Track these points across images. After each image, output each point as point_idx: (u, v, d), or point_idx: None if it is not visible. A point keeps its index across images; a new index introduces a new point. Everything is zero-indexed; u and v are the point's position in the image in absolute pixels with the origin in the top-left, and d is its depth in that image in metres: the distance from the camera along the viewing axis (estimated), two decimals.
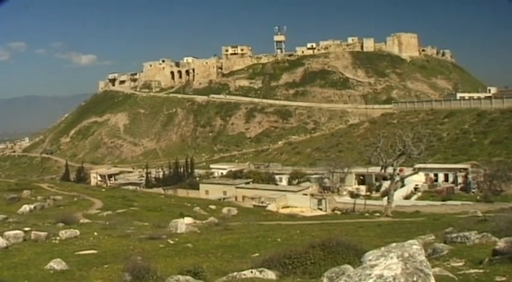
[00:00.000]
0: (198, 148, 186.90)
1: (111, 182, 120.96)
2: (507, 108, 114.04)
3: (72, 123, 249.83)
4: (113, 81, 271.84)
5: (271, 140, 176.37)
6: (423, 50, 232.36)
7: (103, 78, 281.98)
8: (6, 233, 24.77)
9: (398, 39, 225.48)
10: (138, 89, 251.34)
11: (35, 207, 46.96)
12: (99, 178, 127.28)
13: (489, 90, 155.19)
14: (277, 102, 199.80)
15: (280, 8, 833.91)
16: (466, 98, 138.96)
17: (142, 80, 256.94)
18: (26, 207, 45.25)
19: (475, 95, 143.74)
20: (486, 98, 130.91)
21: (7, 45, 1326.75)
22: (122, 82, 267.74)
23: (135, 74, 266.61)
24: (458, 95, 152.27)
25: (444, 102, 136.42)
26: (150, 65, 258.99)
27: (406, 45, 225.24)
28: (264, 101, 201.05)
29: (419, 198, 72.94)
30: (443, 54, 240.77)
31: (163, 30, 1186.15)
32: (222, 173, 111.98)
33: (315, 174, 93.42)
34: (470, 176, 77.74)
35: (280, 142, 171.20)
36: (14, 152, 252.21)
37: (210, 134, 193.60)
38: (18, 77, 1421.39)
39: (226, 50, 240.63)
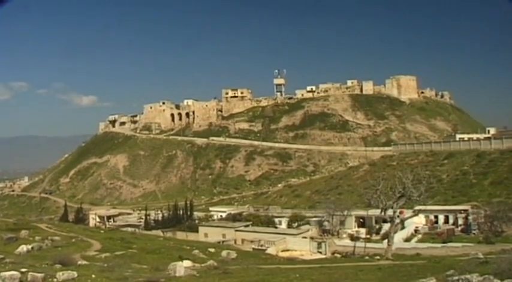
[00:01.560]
0: (198, 190, 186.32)
1: (110, 223, 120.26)
2: (506, 149, 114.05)
3: (72, 163, 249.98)
4: (113, 122, 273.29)
5: (271, 183, 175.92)
6: (422, 92, 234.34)
7: (103, 120, 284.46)
8: (2, 274, 24.45)
9: (398, 81, 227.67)
10: (138, 131, 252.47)
11: (32, 248, 46.44)
12: (98, 219, 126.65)
13: (488, 131, 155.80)
14: (276, 145, 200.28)
15: (280, 52, 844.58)
16: (466, 139, 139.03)
17: (143, 122, 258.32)
18: (23, 248, 44.75)
19: (475, 136, 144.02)
20: (485, 138, 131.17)
21: (9, 85, 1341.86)
22: (122, 123, 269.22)
23: (136, 115, 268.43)
24: (458, 136, 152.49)
25: (443, 144, 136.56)
26: (151, 107, 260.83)
27: (405, 88, 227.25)
28: (264, 143, 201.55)
29: (419, 241, 72.27)
30: (442, 96, 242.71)
31: (164, 72, 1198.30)
32: (221, 216, 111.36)
33: (315, 217, 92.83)
34: (470, 218, 77.23)
35: (279, 185, 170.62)
36: (13, 191, 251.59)
37: (210, 177, 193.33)
38: (19, 116, 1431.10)
39: (226, 93, 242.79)
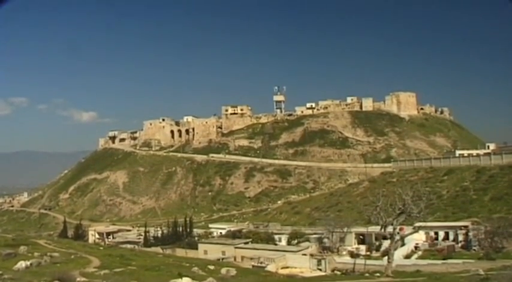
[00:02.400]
0: (197, 207, 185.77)
1: (109, 240, 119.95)
2: (506, 164, 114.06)
3: (72, 179, 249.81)
4: (113, 138, 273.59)
5: (271, 200, 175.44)
6: (422, 109, 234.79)
7: (103, 136, 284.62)
8: None
9: (397, 98, 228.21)
10: (138, 147, 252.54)
11: (31, 264, 46.31)
12: (97, 236, 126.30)
13: (488, 146, 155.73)
14: (276, 161, 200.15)
15: (279, 68, 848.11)
16: (465, 155, 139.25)
17: (142, 139, 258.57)
18: (22, 264, 44.64)
19: (474, 152, 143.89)
20: (485, 154, 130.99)
21: (9, 100, 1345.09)
22: (122, 140, 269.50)
23: (135, 132, 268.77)
24: (458, 152, 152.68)
25: (443, 160, 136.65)
26: (150, 124, 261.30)
27: (404, 104, 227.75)
28: (264, 160, 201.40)
29: (420, 257, 71.97)
30: (441, 112, 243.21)
31: (164, 89, 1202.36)
32: (221, 233, 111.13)
33: (315, 234, 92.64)
34: (471, 234, 77.02)
35: (279, 202, 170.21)
36: (12, 206, 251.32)
37: (209, 193, 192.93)
38: (19, 131, 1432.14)
39: (226, 110, 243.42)
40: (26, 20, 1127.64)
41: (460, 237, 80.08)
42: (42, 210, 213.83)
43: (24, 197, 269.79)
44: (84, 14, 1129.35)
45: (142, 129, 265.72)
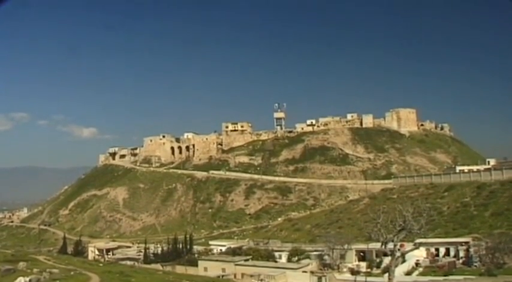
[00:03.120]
0: (198, 224, 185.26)
1: (109, 256, 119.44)
2: (507, 180, 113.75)
3: (72, 195, 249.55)
4: (113, 155, 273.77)
5: (271, 217, 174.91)
6: (422, 125, 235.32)
7: (103, 152, 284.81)
8: None
9: (397, 114, 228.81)
10: (138, 164, 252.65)
11: (30, 280, 46.20)
12: (97, 252, 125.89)
13: (488, 162, 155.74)
14: (276, 178, 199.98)
15: (280, 86, 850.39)
16: (466, 170, 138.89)
17: (143, 155, 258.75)
18: (21, 280, 44.55)
19: (475, 168, 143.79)
20: (485, 170, 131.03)
21: (10, 116, 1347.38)
22: (122, 156, 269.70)
23: (136, 148, 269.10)
24: (458, 168, 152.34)
25: (444, 176, 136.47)
26: (151, 140, 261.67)
27: (405, 121, 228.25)
28: (264, 177, 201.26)
29: (420, 274, 71.66)
30: (441, 128, 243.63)
31: (164, 106, 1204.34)
32: (221, 250, 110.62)
33: (315, 251, 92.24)
34: (472, 250, 76.71)
35: (279, 218, 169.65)
36: (12, 222, 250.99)
37: (210, 210, 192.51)
38: (20, 147, 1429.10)
39: (227, 127, 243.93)
40: (25, 33, 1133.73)
41: (461, 254, 79.74)
42: (41, 226, 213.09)
43: (24, 213, 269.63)
44: (84, 30, 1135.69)
45: (142, 146, 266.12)
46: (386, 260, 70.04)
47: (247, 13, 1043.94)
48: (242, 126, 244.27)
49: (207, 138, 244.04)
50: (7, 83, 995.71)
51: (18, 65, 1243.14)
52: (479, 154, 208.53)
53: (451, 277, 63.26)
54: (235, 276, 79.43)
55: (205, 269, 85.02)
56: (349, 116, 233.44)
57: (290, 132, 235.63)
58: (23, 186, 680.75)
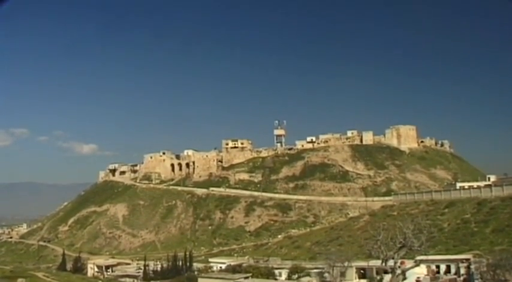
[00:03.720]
0: (197, 241, 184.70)
1: (109, 273, 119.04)
2: (507, 196, 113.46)
3: (71, 211, 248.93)
4: (113, 171, 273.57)
5: (271, 234, 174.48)
6: (422, 142, 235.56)
7: (103, 168, 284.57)
8: None
9: (397, 131, 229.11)
10: (138, 180, 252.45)
11: None
12: (96, 269, 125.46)
13: (488, 178, 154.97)
14: (277, 195, 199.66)
15: (280, 103, 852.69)
16: (466, 187, 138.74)
17: (143, 172, 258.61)
18: None
19: (475, 184, 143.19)
20: (486, 186, 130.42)
21: (10, 131, 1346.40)
22: (122, 173, 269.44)
23: (136, 165, 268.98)
24: (458, 184, 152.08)
25: (444, 193, 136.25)
26: (151, 157, 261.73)
27: (404, 137, 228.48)
28: (264, 194, 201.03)
29: None
30: (441, 145, 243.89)
31: (164, 123, 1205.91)
32: (221, 267, 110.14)
33: (315, 268, 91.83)
34: (472, 267, 76.16)
35: (279, 236, 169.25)
36: (11, 237, 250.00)
37: (210, 227, 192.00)
38: (20, 162, 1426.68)
39: (227, 144, 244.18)
40: (24, 46, 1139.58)
41: (462, 271, 79.24)
42: (41, 242, 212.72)
43: (23, 229, 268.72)
44: (83, 44, 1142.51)
45: (142, 163, 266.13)
46: (387, 278, 69.78)
47: (248, 29, 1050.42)
48: (242, 143, 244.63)
49: (207, 155, 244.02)
50: (7, 99, 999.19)
51: (19, 80, 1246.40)
52: (480, 170, 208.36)
53: None
54: None
55: None
56: (349, 133, 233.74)
57: (290, 149, 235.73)
58: (23, 202, 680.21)
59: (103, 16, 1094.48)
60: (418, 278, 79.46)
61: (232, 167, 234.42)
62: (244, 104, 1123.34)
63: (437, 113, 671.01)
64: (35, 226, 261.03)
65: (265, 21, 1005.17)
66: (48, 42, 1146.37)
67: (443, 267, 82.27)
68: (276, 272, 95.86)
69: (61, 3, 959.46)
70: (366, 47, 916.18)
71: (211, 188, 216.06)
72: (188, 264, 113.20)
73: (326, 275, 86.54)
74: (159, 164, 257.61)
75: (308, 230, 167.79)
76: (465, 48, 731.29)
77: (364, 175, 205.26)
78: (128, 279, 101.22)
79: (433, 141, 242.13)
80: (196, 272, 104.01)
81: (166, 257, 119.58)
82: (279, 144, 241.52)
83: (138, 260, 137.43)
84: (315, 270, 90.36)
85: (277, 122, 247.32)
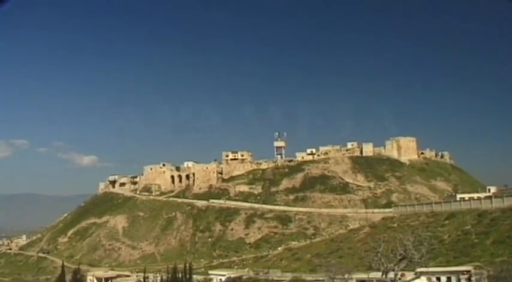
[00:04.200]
0: (197, 253, 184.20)
1: None
2: (507, 207, 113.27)
3: (71, 223, 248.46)
4: (113, 183, 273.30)
5: (271, 246, 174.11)
6: (422, 153, 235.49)
7: (103, 180, 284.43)
8: None
9: (397, 143, 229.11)
10: (138, 192, 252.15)
11: None
12: (95, 281, 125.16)
13: (489, 189, 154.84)
14: (277, 207, 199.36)
15: (280, 114, 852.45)
16: (466, 198, 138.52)
17: (143, 183, 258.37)
18: None
19: (475, 195, 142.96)
20: (486, 197, 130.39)
21: (10, 142, 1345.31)
22: (122, 184, 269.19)
23: (136, 176, 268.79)
24: (458, 196, 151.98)
25: (444, 204, 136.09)
26: (151, 169, 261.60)
27: (405, 149, 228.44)
28: (264, 206, 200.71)
29: None
30: (442, 157, 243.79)
31: (164, 134, 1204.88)
32: (220, 280, 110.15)
33: (315, 280, 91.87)
34: (473, 279, 76.13)
35: (279, 248, 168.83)
36: (10, 249, 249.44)
37: (209, 239, 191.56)
38: (19, 173, 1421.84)
39: (227, 156, 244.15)
40: (24, 57, 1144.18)
41: None
42: (40, 254, 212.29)
43: (23, 240, 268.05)
44: (83, 54, 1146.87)
45: (142, 174, 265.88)
46: None
47: (248, 41, 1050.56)
48: (242, 155, 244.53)
49: (207, 167, 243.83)
50: (7, 109, 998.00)
51: (19, 90, 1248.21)
52: (480, 182, 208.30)
53: None
54: None
55: None
56: (349, 145, 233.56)
57: (290, 161, 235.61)
58: (22, 213, 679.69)
59: (103, 27, 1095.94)
60: None
61: (232, 178, 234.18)
62: (244, 115, 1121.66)
63: (437, 124, 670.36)
64: (34, 237, 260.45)
65: (265, 31, 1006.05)
66: (48, 54, 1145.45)
67: (444, 279, 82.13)
68: None
69: (61, 13, 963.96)
70: (366, 59, 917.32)
71: (211, 200, 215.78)
72: (188, 276, 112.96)
73: None
74: (159, 176, 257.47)
75: (308, 242, 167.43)
76: (465, 60, 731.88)
77: (364, 187, 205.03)
78: None
79: (433, 153, 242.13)
80: None
81: (166, 269, 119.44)
82: (279, 156, 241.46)
83: (137, 272, 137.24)
84: None
85: (277, 133, 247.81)
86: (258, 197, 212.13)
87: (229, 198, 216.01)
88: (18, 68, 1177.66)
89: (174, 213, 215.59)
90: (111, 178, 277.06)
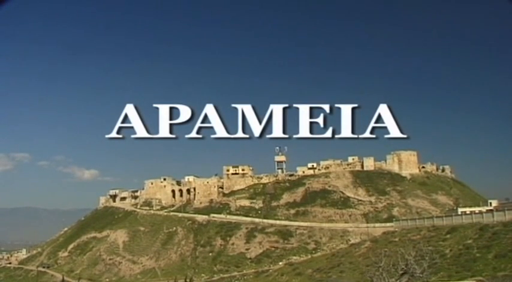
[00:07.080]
0: (198, 268, 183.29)
1: None
2: (509, 221, 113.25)
3: (71, 237, 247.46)
4: (113, 197, 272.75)
5: (272, 261, 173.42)
6: (423, 167, 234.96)
7: (104, 194, 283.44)
8: None
9: (398, 157, 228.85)
10: (138, 206, 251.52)
11: None
12: None
13: (490, 203, 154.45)
14: (277, 222, 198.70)
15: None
16: (468, 212, 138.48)
17: (143, 198, 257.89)
18: None
19: (477, 209, 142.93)
20: (488, 211, 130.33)
21: (11, 156, 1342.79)
22: (123, 199, 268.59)
23: (136, 191, 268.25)
24: (460, 209, 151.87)
25: (446, 218, 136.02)
26: (151, 183, 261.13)
27: (406, 163, 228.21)
28: (265, 221, 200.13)
29: None
30: (443, 170, 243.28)
31: (165, 148, 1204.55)
32: None
33: None
34: None
35: (280, 263, 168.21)
36: (10, 263, 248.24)
37: (210, 254, 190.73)
38: (20, 187, 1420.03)
39: (228, 170, 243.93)
40: (24, 70, 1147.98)
41: None
42: (40, 268, 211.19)
43: (23, 254, 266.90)
44: (84, 68, 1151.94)
45: (143, 188, 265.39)
46: None
47: (248, 50, 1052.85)
48: (243, 170, 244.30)
49: (208, 182, 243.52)
50: (8, 123, 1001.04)
51: (20, 103, 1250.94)
52: (481, 195, 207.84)
53: None
54: None
55: None
56: (350, 159, 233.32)
57: (291, 175, 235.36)
58: (23, 227, 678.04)
59: (104, 37, 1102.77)
60: None
61: (233, 193, 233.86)
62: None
63: (438, 138, 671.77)
64: (34, 252, 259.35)
65: (264, 40, 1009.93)
66: (48, 67, 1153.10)
67: None
68: None
69: (63, 25, 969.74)
70: (366, 71, 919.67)
71: (212, 215, 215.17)
72: None
73: None
74: (159, 190, 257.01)
75: (309, 256, 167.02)
76: (465, 74, 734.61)
77: (365, 201, 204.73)
78: None
79: (434, 167, 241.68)
80: None
81: None
82: (279, 171, 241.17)
83: None
84: None
85: (278, 148, 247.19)
86: (259, 212, 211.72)
87: (230, 213, 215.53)
88: (19, 82, 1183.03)
89: (174, 228, 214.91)
90: (112, 192, 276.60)
